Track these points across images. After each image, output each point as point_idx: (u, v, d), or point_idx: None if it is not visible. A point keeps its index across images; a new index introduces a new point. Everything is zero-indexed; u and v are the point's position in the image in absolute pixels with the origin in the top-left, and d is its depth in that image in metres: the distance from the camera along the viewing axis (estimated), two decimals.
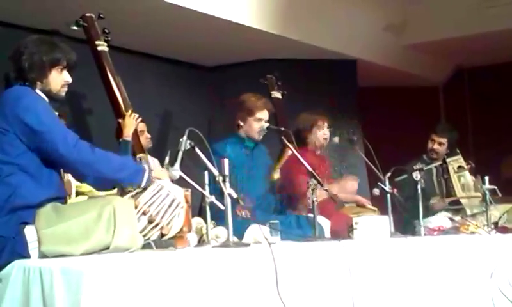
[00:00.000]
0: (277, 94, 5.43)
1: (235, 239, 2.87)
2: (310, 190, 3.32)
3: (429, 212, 4.64)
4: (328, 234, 3.67)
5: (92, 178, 2.64)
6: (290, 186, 4.17)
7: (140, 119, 4.31)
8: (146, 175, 2.65)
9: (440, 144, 5.15)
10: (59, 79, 2.60)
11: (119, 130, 4.12)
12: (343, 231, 3.70)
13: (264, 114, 3.84)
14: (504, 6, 6.18)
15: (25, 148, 2.46)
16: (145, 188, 2.65)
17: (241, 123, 3.85)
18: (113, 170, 2.59)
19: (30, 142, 2.46)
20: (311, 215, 3.37)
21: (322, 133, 4.51)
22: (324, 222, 3.70)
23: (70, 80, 2.64)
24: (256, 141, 3.87)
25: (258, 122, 3.83)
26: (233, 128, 3.89)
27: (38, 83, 2.56)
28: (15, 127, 2.44)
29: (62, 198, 2.57)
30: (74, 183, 3.31)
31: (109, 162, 2.59)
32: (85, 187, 3.38)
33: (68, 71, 2.63)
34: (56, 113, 2.62)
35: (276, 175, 4.35)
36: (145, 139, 4.41)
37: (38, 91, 2.56)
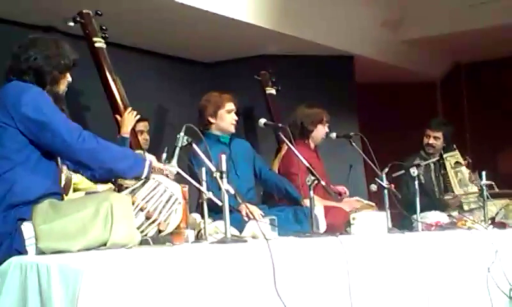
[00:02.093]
0: (271, 91, 5.43)
1: (234, 233, 2.87)
2: (307, 185, 3.32)
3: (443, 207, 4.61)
4: (323, 224, 3.66)
5: (94, 169, 2.64)
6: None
7: (142, 118, 4.31)
8: (147, 165, 2.65)
9: (436, 138, 5.15)
10: (65, 82, 2.65)
11: (119, 127, 4.13)
12: (339, 224, 3.71)
13: (232, 105, 3.82)
14: (498, 2, 6.17)
15: (27, 142, 2.46)
16: (143, 184, 2.65)
17: (212, 120, 3.81)
18: (116, 159, 2.60)
19: (33, 135, 2.46)
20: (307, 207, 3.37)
21: (324, 129, 4.53)
22: (319, 213, 3.68)
23: (71, 80, 2.68)
24: (231, 134, 3.84)
25: (229, 113, 3.81)
26: (204, 129, 3.82)
27: (48, 87, 2.57)
28: (16, 121, 2.44)
29: (59, 194, 2.57)
30: (73, 180, 3.31)
31: (112, 151, 2.60)
32: (82, 184, 3.38)
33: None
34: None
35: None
36: (143, 140, 4.41)
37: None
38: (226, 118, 3.81)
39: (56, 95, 2.60)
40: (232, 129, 3.85)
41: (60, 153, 2.54)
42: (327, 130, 4.54)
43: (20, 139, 2.46)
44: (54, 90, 2.59)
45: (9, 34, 4.12)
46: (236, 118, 3.84)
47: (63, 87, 2.64)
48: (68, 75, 2.65)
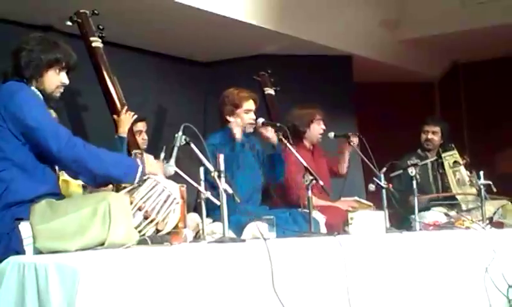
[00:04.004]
0: (270, 91, 5.41)
1: (232, 235, 2.87)
2: (305, 185, 3.32)
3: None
4: (323, 229, 3.68)
5: (85, 175, 2.62)
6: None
7: (140, 118, 4.30)
8: (139, 172, 2.64)
9: (434, 133, 5.18)
10: (55, 80, 2.60)
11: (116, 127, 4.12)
12: (338, 225, 3.71)
13: (250, 104, 3.80)
14: (497, 1, 6.17)
15: (19, 144, 2.46)
16: (140, 184, 2.65)
17: (229, 118, 3.79)
18: (105, 167, 2.57)
19: (23, 137, 2.46)
20: (306, 210, 3.37)
21: (319, 127, 4.52)
22: (319, 218, 3.70)
23: (66, 82, 2.64)
24: (247, 133, 3.81)
25: (248, 113, 3.79)
26: (222, 124, 3.83)
27: (33, 81, 2.55)
28: (8, 122, 2.44)
29: (57, 194, 2.56)
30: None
31: (102, 159, 2.57)
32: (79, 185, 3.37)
33: (66, 72, 2.63)
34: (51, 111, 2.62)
35: None
36: (141, 140, 4.40)
37: (33, 88, 2.56)
38: (244, 118, 3.78)
39: (43, 93, 2.57)
40: (249, 129, 3.81)
41: (47, 158, 2.51)
42: (323, 127, 4.53)
43: (12, 140, 2.46)
44: (39, 87, 2.56)
45: (6, 34, 4.12)
46: (254, 117, 3.80)
47: (49, 86, 2.59)
48: (55, 73, 2.58)
